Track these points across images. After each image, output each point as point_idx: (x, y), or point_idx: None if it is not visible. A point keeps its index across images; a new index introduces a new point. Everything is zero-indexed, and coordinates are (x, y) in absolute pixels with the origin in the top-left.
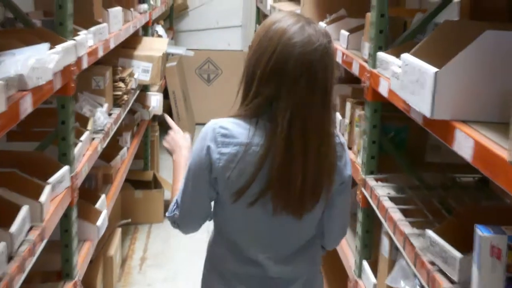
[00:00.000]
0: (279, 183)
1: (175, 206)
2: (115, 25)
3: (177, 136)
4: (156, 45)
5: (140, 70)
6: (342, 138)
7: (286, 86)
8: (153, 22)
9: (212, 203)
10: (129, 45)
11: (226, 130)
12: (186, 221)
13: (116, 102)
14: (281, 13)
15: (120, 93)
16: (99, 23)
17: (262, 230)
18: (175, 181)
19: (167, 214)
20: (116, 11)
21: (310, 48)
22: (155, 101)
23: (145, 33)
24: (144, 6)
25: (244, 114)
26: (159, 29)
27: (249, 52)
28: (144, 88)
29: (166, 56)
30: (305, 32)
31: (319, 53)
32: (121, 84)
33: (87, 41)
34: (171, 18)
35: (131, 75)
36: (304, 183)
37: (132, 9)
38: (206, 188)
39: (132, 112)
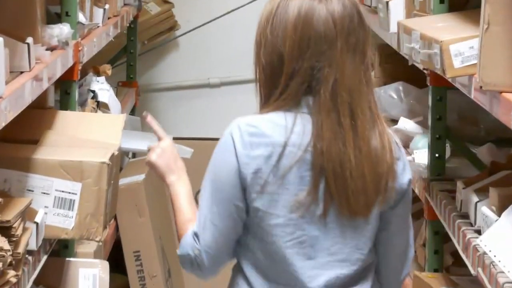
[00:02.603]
0: (331, 167)
1: (192, 239)
2: None
3: (171, 151)
4: (94, 131)
5: (53, 203)
6: (395, 136)
7: (323, 53)
8: (85, 69)
9: None
10: (22, 133)
11: (255, 128)
12: (216, 256)
13: None
14: None
15: None
16: None
17: (313, 248)
18: (179, 212)
19: (180, 253)
20: None
21: (337, 6)
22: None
23: (65, 100)
24: (63, 30)
25: (277, 106)
26: (102, 86)
27: (259, 40)
28: (60, 249)
29: (121, 159)
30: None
31: (348, 9)
32: (0, 242)
33: None
34: (133, 57)
35: (25, 217)
36: (358, 169)
37: (29, 41)
38: (239, 208)
39: None
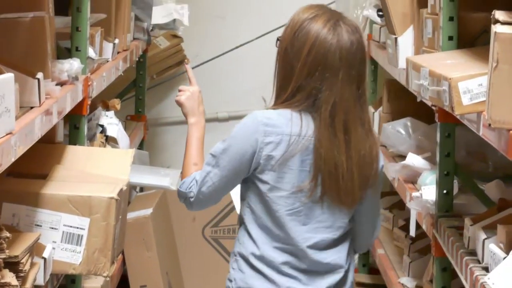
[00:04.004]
0: (327, 168)
1: (192, 183)
2: None
3: (198, 96)
4: (103, 166)
5: (61, 238)
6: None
7: (327, 79)
8: (94, 103)
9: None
10: (31, 167)
11: (269, 119)
12: (204, 202)
13: None
14: (310, 8)
15: None
16: None
17: (307, 216)
18: (190, 152)
19: (179, 188)
20: None
21: (346, 42)
22: None
23: (74, 135)
24: (73, 65)
25: (286, 105)
26: (111, 121)
27: (282, 45)
28: (67, 284)
29: (129, 194)
30: (339, 27)
31: (354, 47)
32: (8, 277)
33: None
34: (142, 91)
35: (33, 252)
36: (348, 173)
37: (39, 76)
38: (238, 179)
39: None
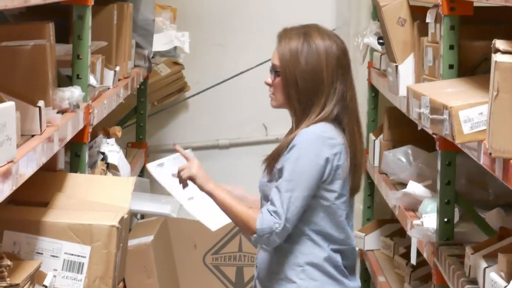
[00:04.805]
0: (356, 161)
1: (272, 217)
2: None
3: (199, 166)
4: (103, 193)
5: (62, 265)
6: None
7: (347, 79)
8: (95, 131)
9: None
10: (32, 195)
11: (328, 133)
12: (289, 229)
13: None
14: (296, 34)
15: None
16: None
17: (351, 214)
18: (236, 207)
19: (258, 228)
20: None
21: (341, 43)
22: None
23: (75, 162)
24: (74, 93)
25: (320, 119)
26: (112, 148)
27: (291, 72)
28: None
29: (130, 222)
30: (327, 35)
31: (344, 45)
32: None
33: None
34: (142, 118)
35: (34, 280)
36: (363, 159)
37: (40, 104)
38: (315, 189)
39: None
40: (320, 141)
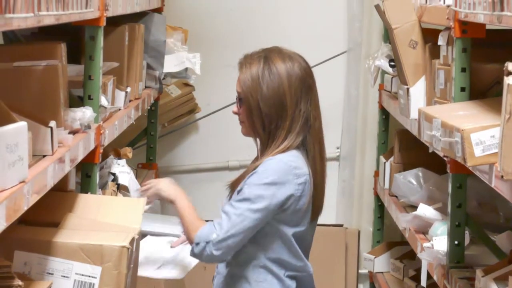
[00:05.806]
0: (321, 192)
1: (215, 228)
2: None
3: (167, 182)
4: (114, 214)
5: (72, 286)
6: None
7: (311, 99)
8: (106, 152)
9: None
10: (43, 215)
11: (294, 162)
12: (230, 246)
13: None
14: (254, 60)
15: None
16: None
17: (310, 239)
18: (189, 217)
19: (196, 235)
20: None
21: (303, 63)
22: None
23: (86, 183)
24: (86, 113)
25: (286, 146)
26: (122, 169)
27: (253, 98)
28: None
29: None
30: (289, 56)
31: (307, 64)
32: None
33: None
34: (153, 139)
35: None
36: (323, 184)
37: (52, 125)
38: (270, 217)
39: None
40: (287, 169)
